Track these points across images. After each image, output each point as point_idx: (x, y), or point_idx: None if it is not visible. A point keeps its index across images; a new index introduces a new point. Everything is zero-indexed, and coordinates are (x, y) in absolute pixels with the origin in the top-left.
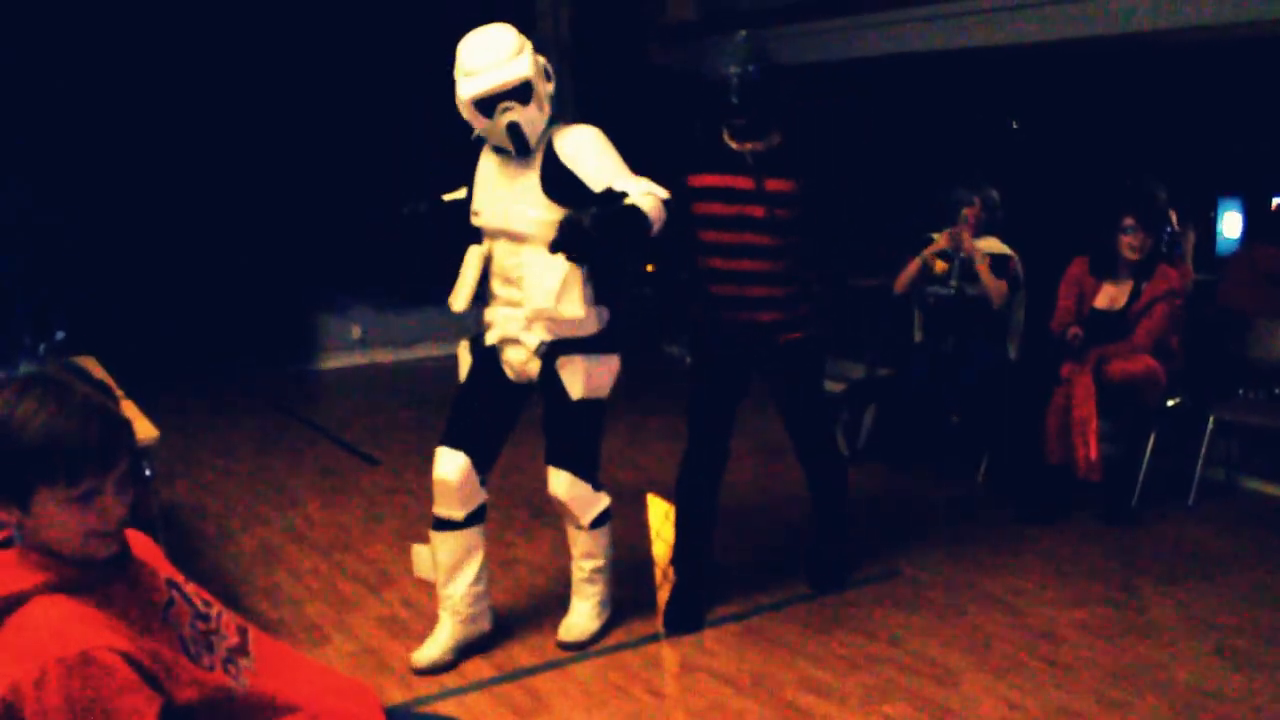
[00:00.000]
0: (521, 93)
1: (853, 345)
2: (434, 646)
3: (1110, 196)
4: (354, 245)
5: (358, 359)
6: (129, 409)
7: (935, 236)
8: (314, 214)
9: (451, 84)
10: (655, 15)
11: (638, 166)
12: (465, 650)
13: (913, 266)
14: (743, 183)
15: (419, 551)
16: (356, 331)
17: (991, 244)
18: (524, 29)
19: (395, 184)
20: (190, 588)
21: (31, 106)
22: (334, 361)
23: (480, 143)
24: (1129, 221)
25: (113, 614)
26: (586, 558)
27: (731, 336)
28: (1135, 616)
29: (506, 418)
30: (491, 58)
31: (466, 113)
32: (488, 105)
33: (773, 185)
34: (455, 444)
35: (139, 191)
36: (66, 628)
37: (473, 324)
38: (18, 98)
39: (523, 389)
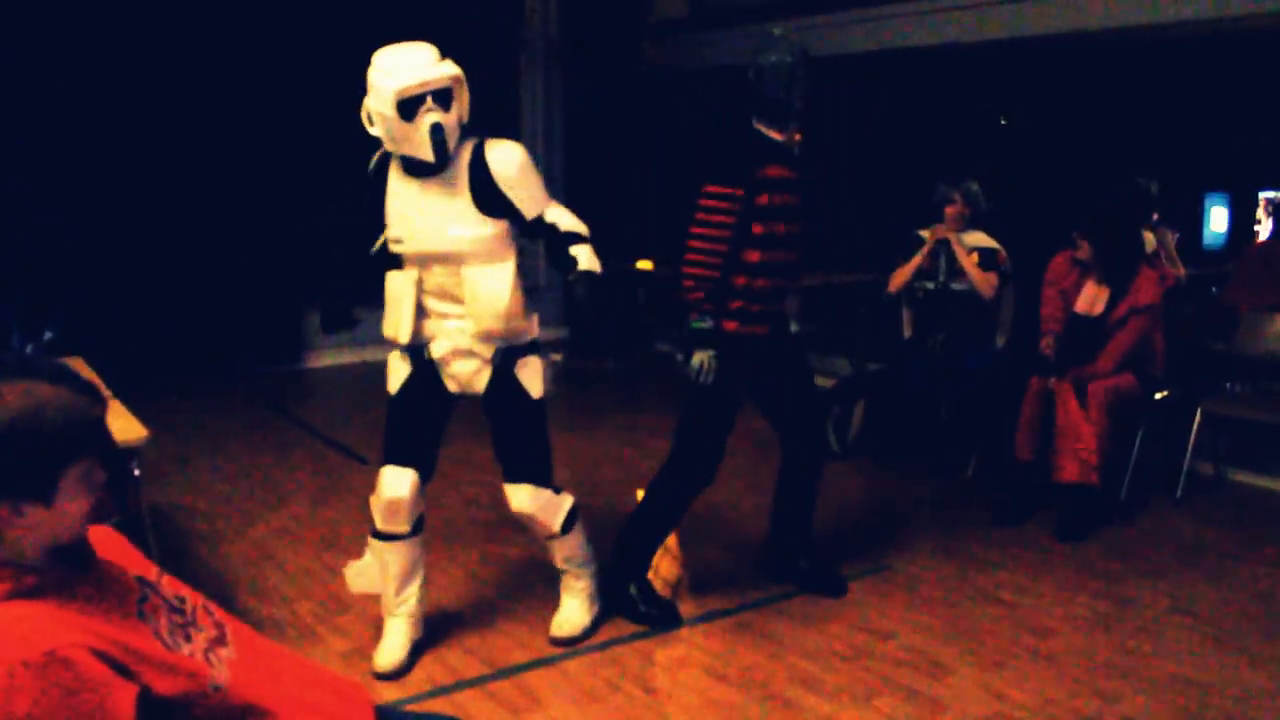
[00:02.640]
0: (445, 96)
1: (842, 342)
2: (396, 651)
3: (1065, 211)
4: (342, 244)
5: (347, 357)
6: (117, 409)
7: (925, 234)
8: (303, 213)
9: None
10: (646, 13)
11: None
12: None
13: (909, 268)
14: (791, 173)
15: (356, 568)
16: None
17: (978, 238)
18: (514, 26)
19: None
20: (166, 583)
21: (26, 108)
22: (323, 360)
23: (381, 170)
24: (1075, 235)
25: (78, 612)
26: (568, 560)
27: (763, 337)
28: (1124, 609)
29: (442, 429)
30: (416, 60)
31: (385, 118)
32: (411, 106)
33: (805, 175)
34: (403, 461)
35: (128, 192)
36: (29, 630)
37: None
38: (13, 99)
39: (456, 400)
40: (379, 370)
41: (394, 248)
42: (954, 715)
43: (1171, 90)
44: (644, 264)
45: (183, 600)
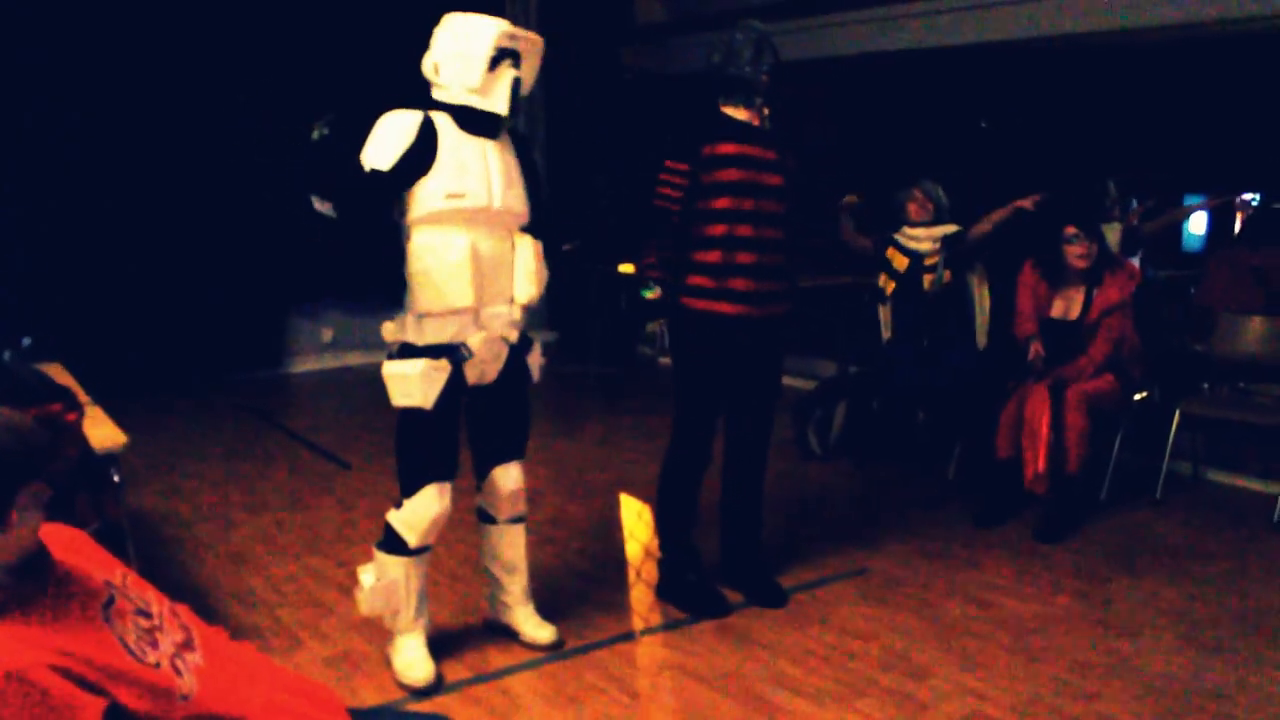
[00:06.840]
0: (520, 61)
1: (824, 343)
2: (426, 663)
3: (1051, 205)
4: (324, 249)
5: (329, 362)
6: (97, 415)
7: (896, 237)
8: (284, 218)
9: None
10: (625, 17)
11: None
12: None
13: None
14: (762, 152)
15: (367, 594)
16: (327, 335)
17: (946, 229)
18: None
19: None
20: (132, 585)
21: (9, 115)
22: (305, 365)
23: (428, 125)
24: (1071, 231)
25: (37, 628)
26: (519, 568)
27: (729, 316)
28: (1104, 608)
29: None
30: (503, 21)
31: (469, 60)
32: (500, 57)
33: (787, 157)
34: (447, 476)
35: (108, 197)
36: None
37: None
38: None
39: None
40: (360, 376)
41: (449, 203)
42: (935, 716)
43: (1151, 93)
44: (626, 267)
45: (149, 604)
